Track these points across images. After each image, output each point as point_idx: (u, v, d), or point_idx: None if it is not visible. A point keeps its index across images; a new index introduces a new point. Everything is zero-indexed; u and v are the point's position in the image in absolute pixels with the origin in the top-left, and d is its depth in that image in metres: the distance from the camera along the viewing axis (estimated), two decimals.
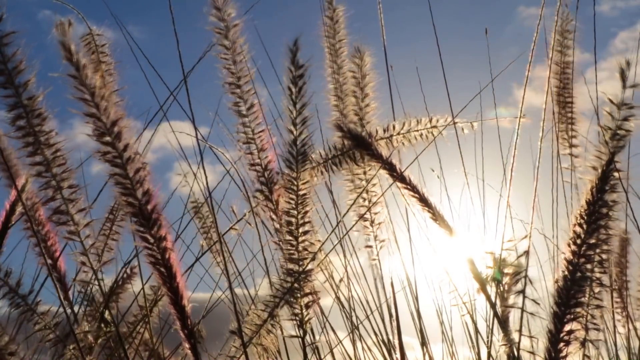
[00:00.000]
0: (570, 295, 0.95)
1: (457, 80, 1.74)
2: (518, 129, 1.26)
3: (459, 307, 1.43)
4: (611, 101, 0.97)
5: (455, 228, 1.45)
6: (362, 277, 1.74)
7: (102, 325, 1.39)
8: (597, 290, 1.08)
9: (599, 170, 0.95)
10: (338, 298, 1.72)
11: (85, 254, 1.05)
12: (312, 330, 1.36)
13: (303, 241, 1.25)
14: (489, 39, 2.06)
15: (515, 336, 1.13)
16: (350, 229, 1.63)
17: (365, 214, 1.57)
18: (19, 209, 1.14)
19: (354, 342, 1.67)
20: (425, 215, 1.47)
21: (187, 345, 0.99)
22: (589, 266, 0.96)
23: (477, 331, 1.61)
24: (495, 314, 1.17)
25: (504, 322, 1.15)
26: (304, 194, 1.25)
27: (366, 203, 1.57)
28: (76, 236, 1.04)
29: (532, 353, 1.14)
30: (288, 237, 1.25)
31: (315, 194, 1.38)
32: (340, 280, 1.72)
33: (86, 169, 2.03)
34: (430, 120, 1.55)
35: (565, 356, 0.96)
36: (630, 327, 1.87)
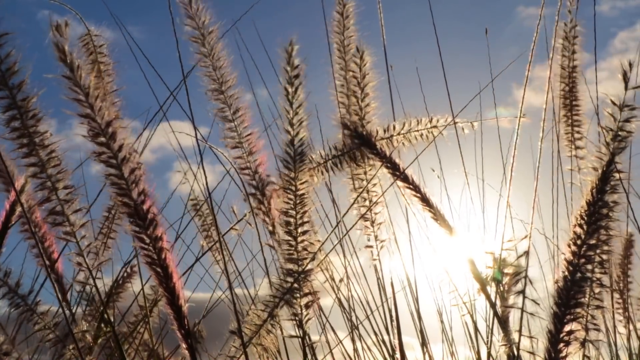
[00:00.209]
0: (570, 296, 0.95)
1: (457, 80, 1.73)
2: (518, 129, 1.26)
3: (459, 307, 1.42)
4: (613, 102, 0.96)
5: (455, 228, 1.45)
6: (362, 277, 1.74)
7: (102, 325, 1.39)
8: (597, 290, 1.08)
9: (600, 171, 0.95)
10: (338, 298, 1.72)
11: (82, 254, 1.04)
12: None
13: (302, 241, 1.24)
14: (489, 39, 2.06)
15: (515, 336, 1.13)
16: (351, 229, 1.62)
17: (365, 213, 1.57)
18: (19, 209, 1.14)
19: (353, 342, 1.67)
20: (425, 215, 1.47)
21: (184, 345, 0.99)
22: (589, 267, 0.96)
23: (477, 331, 1.61)
24: (495, 314, 1.17)
25: (504, 322, 1.15)
26: (303, 194, 1.24)
27: (367, 203, 1.57)
28: (72, 237, 1.04)
29: (532, 353, 1.14)
30: (287, 237, 1.24)
31: (315, 193, 1.38)
32: (340, 280, 1.72)
33: (85, 169, 2.03)
34: (431, 120, 1.55)
35: (565, 356, 0.96)
36: (631, 327, 1.87)
